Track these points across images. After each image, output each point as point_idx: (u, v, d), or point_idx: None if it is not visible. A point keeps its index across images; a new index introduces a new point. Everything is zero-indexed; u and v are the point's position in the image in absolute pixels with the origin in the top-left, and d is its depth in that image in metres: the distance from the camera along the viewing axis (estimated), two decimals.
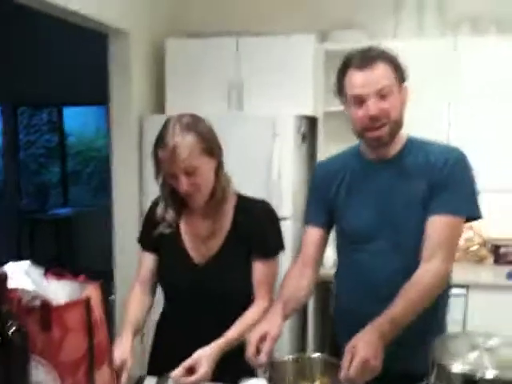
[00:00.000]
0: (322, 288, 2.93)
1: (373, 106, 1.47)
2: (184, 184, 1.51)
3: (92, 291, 1.19)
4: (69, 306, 1.10)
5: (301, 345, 3.24)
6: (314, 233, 1.69)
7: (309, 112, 3.14)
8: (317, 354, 1.47)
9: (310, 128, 3.32)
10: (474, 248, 3.13)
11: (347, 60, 1.52)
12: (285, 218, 2.87)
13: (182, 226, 1.67)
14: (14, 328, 0.95)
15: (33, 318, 1.07)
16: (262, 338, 1.42)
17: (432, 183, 1.52)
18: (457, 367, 1.25)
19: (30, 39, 5.88)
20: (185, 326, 1.62)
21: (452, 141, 2.89)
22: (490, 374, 1.21)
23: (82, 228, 6.30)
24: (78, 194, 7.03)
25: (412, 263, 1.51)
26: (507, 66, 3.05)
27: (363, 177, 1.61)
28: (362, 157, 1.63)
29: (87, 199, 6.96)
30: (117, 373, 1.40)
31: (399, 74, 1.52)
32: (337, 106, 3.19)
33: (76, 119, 6.91)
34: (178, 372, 1.43)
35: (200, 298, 1.61)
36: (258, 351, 1.41)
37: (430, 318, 1.58)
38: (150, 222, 1.71)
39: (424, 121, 2.75)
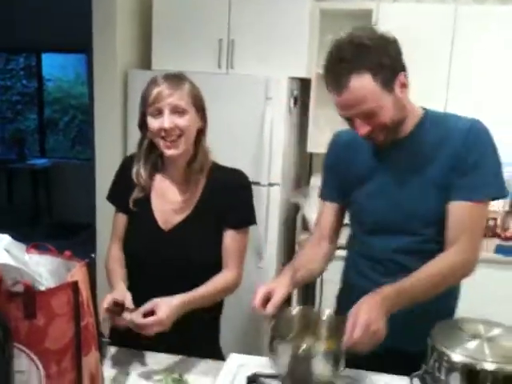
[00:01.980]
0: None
1: (361, 128, 1.38)
2: (167, 120, 1.48)
3: (78, 271, 1.11)
4: (55, 290, 1.02)
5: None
6: (331, 207, 1.65)
7: (302, 74, 3.02)
8: (325, 311, 1.45)
9: (301, 90, 3.20)
10: None
11: (325, 70, 1.39)
12: (274, 184, 2.80)
13: (153, 192, 1.63)
14: None
15: (15, 304, 0.99)
16: (270, 292, 1.38)
17: (454, 159, 1.41)
18: (457, 356, 1.23)
19: None
20: (149, 295, 1.53)
21: (450, 107, 2.82)
22: (491, 366, 1.19)
23: (60, 180, 6.16)
24: (56, 144, 6.85)
25: (424, 244, 1.48)
26: (507, 36, 2.97)
27: (375, 158, 1.52)
28: None
29: (65, 149, 6.80)
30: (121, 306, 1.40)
31: (383, 75, 1.33)
32: None
33: (55, 65, 6.66)
34: (134, 315, 1.39)
35: (164, 266, 1.57)
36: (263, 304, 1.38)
37: (441, 300, 1.53)
38: (122, 180, 1.67)
39: (421, 86, 2.66)
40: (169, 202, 1.62)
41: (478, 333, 1.31)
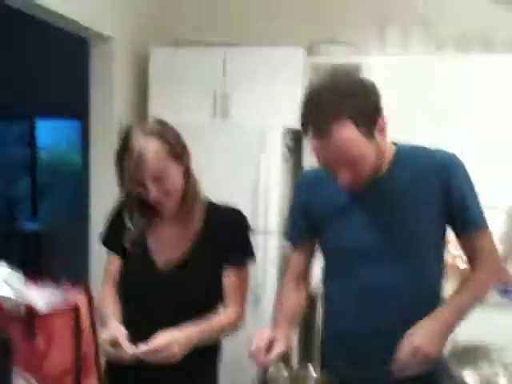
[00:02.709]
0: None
1: (343, 176, 1.35)
2: (153, 191, 1.46)
3: (79, 298, 1.07)
4: (55, 313, 0.99)
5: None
6: (298, 250, 1.61)
7: (295, 124, 3.06)
8: (313, 372, 1.40)
9: (295, 141, 3.26)
10: (462, 266, 3.09)
11: (304, 118, 1.34)
12: (271, 232, 2.79)
13: (149, 231, 1.61)
14: None
15: (15, 327, 0.95)
16: (272, 341, 1.35)
17: (446, 189, 1.43)
18: (470, 378, 1.19)
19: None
20: (146, 334, 1.47)
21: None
22: None
23: (51, 243, 6.08)
24: (48, 210, 6.82)
25: (420, 274, 1.45)
26: (492, 84, 3.04)
27: (349, 195, 1.47)
28: None
29: (57, 215, 6.76)
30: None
31: (364, 122, 1.31)
32: None
33: (48, 133, 6.73)
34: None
35: (162, 305, 1.54)
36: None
37: None
38: (115, 224, 1.65)
39: (408, 136, 2.72)
40: (165, 241, 1.59)
41: (491, 358, 1.28)
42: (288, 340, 1.38)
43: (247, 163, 2.82)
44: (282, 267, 3.06)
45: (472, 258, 1.49)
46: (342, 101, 1.28)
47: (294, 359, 2.81)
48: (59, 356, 0.98)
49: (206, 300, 1.57)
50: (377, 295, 1.45)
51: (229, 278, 1.58)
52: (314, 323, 2.81)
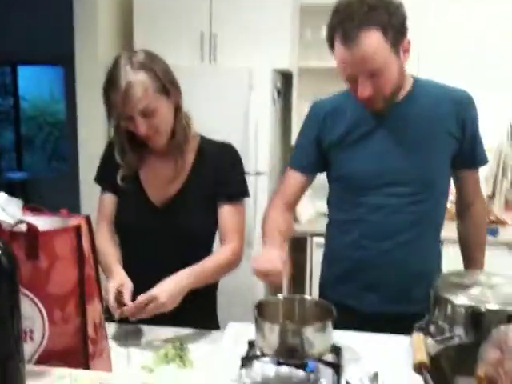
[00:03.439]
0: (298, 246, 2.90)
1: (364, 89, 1.37)
2: (142, 126, 1.44)
3: (80, 222, 1.08)
4: (58, 232, 1.00)
5: None
6: (297, 177, 1.62)
7: (284, 66, 3.05)
8: (309, 297, 1.42)
9: (283, 84, 3.23)
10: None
11: (332, 27, 1.37)
12: (261, 173, 2.81)
13: (142, 168, 1.60)
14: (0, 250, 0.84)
15: (17, 245, 0.96)
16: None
17: (461, 124, 1.50)
18: (461, 300, 1.23)
19: None
20: (146, 271, 1.53)
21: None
22: (494, 306, 1.19)
23: (38, 194, 6.06)
24: (33, 159, 6.76)
25: (422, 201, 1.50)
26: (478, 24, 3.06)
27: (371, 120, 1.51)
28: None
29: (42, 165, 6.71)
30: (120, 296, 1.38)
31: (392, 35, 1.34)
32: (311, 61, 3.22)
33: (30, 81, 6.59)
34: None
35: (160, 241, 1.55)
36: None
37: (427, 259, 1.57)
38: (108, 161, 1.63)
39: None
40: (158, 176, 1.59)
41: (478, 282, 1.32)
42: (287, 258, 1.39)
43: (236, 105, 2.81)
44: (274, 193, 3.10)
45: (470, 192, 1.63)
46: (371, 12, 1.31)
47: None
48: (62, 276, 0.99)
49: (203, 235, 1.57)
50: (390, 222, 1.51)
51: (224, 214, 1.57)
52: (305, 267, 2.85)
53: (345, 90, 1.61)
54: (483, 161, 1.60)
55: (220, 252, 1.56)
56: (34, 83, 6.63)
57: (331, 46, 1.40)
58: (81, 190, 3.16)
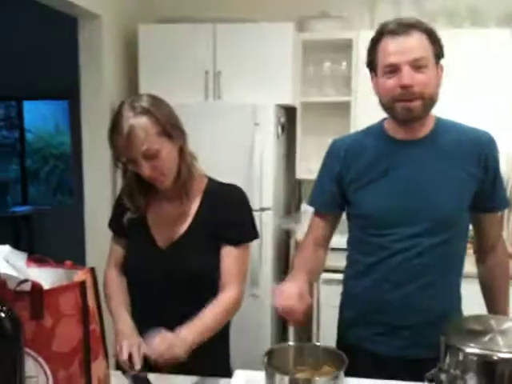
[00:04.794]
0: None
1: (406, 76, 1.39)
2: (145, 169, 1.45)
3: (84, 276, 1.07)
4: (62, 289, 0.99)
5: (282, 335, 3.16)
6: (326, 216, 1.63)
7: (288, 101, 3.07)
8: (318, 343, 1.40)
9: (287, 119, 3.25)
10: None
11: (382, 28, 1.44)
12: (266, 209, 2.80)
13: (149, 210, 1.61)
14: (3, 314, 0.83)
15: (21, 304, 0.95)
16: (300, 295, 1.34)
17: (483, 165, 1.50)
18: (472, 349, 1.20)
19: None
20: (150, 313, 1.53)
21: None
22: (506, 355, 1.17)
23: (42, 227, 6.06)
24: (38, 192, 6.78)
25: (443, 243, 1.48)
26: (480, 58, 3.03)
27: (391, 157, 1.51)
28: (389, 136, 1.54)
29: (47, 198, 6.73)
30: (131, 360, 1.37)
31: (436, 48, 1.43)
32: (314, 97, 3.25)
33: (35, 115, 6.66)
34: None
35: (166, 283, 1.54)
36: None
37: (448, 302, 1.55)
38: (119, 206, 1.65)
39: None
40: (164, 219, 1.59)
41: (489, 327, 1.29)
42: (307, 291, 1.38)
43: (241, 141, 2.81)
44: (277, 244, 3.09)
45: (490, 235, 1.60)
46: (418, 21, 1.43)
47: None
48: (67, 334, 0.98)
49: (209, 277, 1.56)
50: (411, 265, 1.49)
51: (225, 257, 1.56)
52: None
53: (364, 128, 1.63)
54: (504, 204, 1.58)
55: (218, 303, 1.53)
56: (39, 116, 6.70)
57: (370, 52, 1.48)
58: (85, 223, 3.16)
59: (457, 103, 2.96)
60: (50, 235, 5.87)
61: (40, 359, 0.96)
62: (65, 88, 5.08)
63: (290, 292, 1.32)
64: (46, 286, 0.99)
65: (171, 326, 1.42)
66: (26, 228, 6.14)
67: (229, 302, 1.53)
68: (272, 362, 1.23)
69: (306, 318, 1.34)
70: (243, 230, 1.60)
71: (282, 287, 1.35)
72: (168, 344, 1.36)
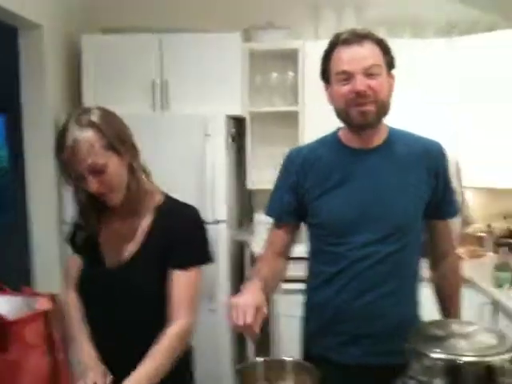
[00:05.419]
0: None
1: (360, 82, 1.42)
2: (92, 184, 1.40)
3: (46, 304, 1.02)
4: (27, 319, 0.93)
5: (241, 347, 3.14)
6: (285, 226, 1.62)
7: (237, 112, 3.07)
8: (288, 357, 1.39)
9: (236, 129, 3.25)
10: None
11: (335, 38, 1.47)
12: (219, 222, 2.77)
13: (102, 229, 1.56)
14: None
15: None
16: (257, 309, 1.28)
17: (434, 173, 1.54)
18: (437, 354, 1.23)
19: None
20: (105, 335, 1.47)
21: None
22: (471, 359, 1.20)
23: None
24: None
25: (399, 250, 1.51)
26: (420, 68, 3.11)
27: (346, 166, 1.53)
28: (344, 145, 1.56)
29: None
30: None
31: (388, 58, 1.48)
32: (263, 107, 3.27)
33: None
34: None
35: (113, 303, 1.48)
36: None
37: (408, 308, 1.58)
38: (75, 224, 1.60)
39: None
40: (115, 237, 1.54)
41: (451, 332, 1.32)
42: (264, 302, 1.33)
43: (191, 153, 2.78)
44: (232, 256, 3.07)
45: (443, 242, 1.65)
46: (370, 32, 1.48)
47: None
48: (34, 366, 0.93)
49: (158, 299, 1.48)
50: (371, 273, 1.51)
51: (173, 283, 1.48)
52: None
53: (319, 137, 1.64)
54: (456, 211, 1.63)
55: (166, 338, 1.44)
56: None
57: (324, 62, 1.50)
58: (32, 239, 3.03)
59: (400, 112, 3.07)
60: None
61: None
62: (0, 101, 4.86)
63: (246, 305, 1.27)
64: (10, 313, 0.94)
65: (119, 351, 1.40)
66: None
67: (177, 336, 1.46)
68: (242, 380, 1.21)
69: (262, 329, 1.29)
70: (194, 251, 1.52)
71: (237, 301, 1.30)
72: None
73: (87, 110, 1.44)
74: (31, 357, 0.93)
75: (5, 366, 0.91)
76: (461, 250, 2.99)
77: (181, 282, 1.48)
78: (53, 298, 1.05)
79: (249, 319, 1.24)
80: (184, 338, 1.49)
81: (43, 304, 1.00)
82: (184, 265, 1.49)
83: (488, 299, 2.60)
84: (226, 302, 1.35)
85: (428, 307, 1.64)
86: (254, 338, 1.28)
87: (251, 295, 1.33)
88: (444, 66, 3.11)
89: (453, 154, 3.04)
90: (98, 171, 1.39)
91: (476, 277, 2.71)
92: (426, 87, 3.10)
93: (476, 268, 2.86)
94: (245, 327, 1.25)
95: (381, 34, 3.08)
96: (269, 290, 1.47)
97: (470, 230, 3.26)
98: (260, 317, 1.28)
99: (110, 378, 1.34)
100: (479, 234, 3.29)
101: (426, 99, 3.10)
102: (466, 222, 3.23)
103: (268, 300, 1.40)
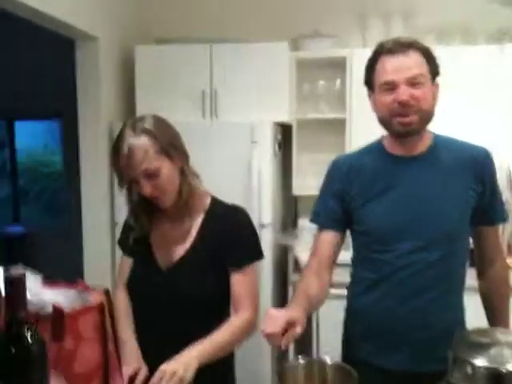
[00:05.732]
0: None
1: (403, 92, 1.43)
2: (146, 187, 1.46)
3: (100, 298, 1.09)
4: (81, 312, 1.00)
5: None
6: (330, 234, 1.61)
7: (284, 119, 3.11)
8: (328, 358, 1.40)
9: (282, 136, 3.29)
10: None
11: (379, 47, 1.48)
12: (265, 225, 2.82)
13: (153, 231, 1.62)
14: (30, 335, 0.84)
15: (42, 327, 0.96)
16: (290, 323, 1.29)
17: (481, 179, 1.53)
18: (480, 361, 1.22)
19: None
20: (155, 335, 1.52)
21: None
22: None
23: (36, 246, 6.02)
24: (31, 212, 6.74)
25: (445, 257, 1.50)
26: (471, 75, 3.09)
27: (391, 174, 1.54)
28: (388, 153, 1.57)
29: (41, 216, 6.68)
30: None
31: (432, 66, 1.48)
32: (309, 114, 3.31)
33: (26, 135, 6.64)
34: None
35: (166, 305, 1.53)
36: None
37: (452, 316, 1.57)
38: (126, 226, 1.66)
39: None
40: (167, 238, 1.59)
41: (496, 340, 1.31)
42: (304, 318, 1.34)
43: (238, 159, 2.85)
44: (277, 260, 3.10)
45: (490, 248, 1.63)
46: (415, 41, 1.48)
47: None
48: (87, 355, 0.99)
49: (209, 299, 1.54)
50: (415, 280, 1.50)
51: (234, 282, 1.54)
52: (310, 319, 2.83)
53: (364, 146, 1.65)
54: (503, 217, 1.61)
55: (231, 323, 1.51)
56: (29, 135, 6.69)
57: (368, 70, 1.51)
58: (84, 242, 3.15)
59: (451, 120, 3.05)
60: (45, 255, 5.83)
61: (62, 380, 0.97)
62: (56, 107, 5.09)
63: (277, 317, 1.29)
64: (67, 305, 1.00)
65: (171, 348, 1.40)
66: (19, 248, 6.09)
67: (241, 323, 1.51)
68: (284, 381, 1.23)
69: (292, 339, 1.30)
70: (247, 250, 1.58)
71: (272, 311, 1.32)
72: (168, 376, 1.32)
73: (141, 118, 1.50)
74: (84, 347, 0.99)
75: (60, 355, 0.97)
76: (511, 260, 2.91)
77: (239, 280, 1.54)
78: (106, 292, 1.11)
79: (275, 329, 1.26)
80: (246, 329, 1.53)
81: (96, 297, 1.06)
82: (240, 264, 1.54)
83: None
84: (265, 310, 1.37)
85: (475, 317, 1.61)
86: (278, 349, 1.30)
87: (290, 310, 1.35)
88: (495, 72, 3.06)
89: (505, 162, 3.01)
90: (152, 175, 1.45)
91: None
92: (477, 94, 3.07)
93: None
94: (268, 336, 1.27)
95: (430, 41, 3.15)
96: (312, 308, 1.48)
97: None
98: (292, 332, 1.28)
99: (143, 373, 1.39)
100: None
101: (477, 106, 3.07)
102: None
103: (309, 317, 1.42)
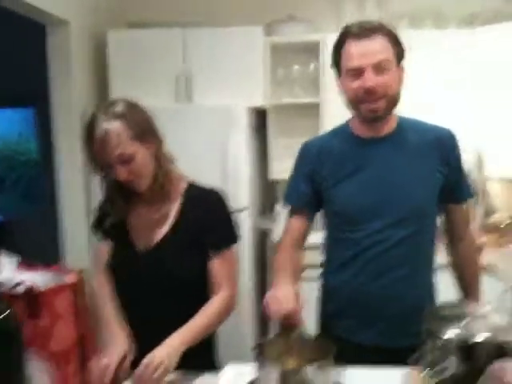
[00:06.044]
0: None
1: (370, 79, 1.45)
2: (121, 172, 1.46)
3: (74, 277, 1.09)
4: (57, 290, 1.00)
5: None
6: (301, 213, 1.65)
7: (259, 104, 3.11)
8: (307, 333, 1.42)
9: (258, 121, 3.30)
10: None
11: (345, 31, 1.49)
12: (242, 209, 2.83)
13: (130, 215, 1.62)
14: (5, 313, 0.84)
15: (17, 306, 0.96)
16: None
17: (446, 160, 1.57)
18: (450, 333, 1.26)
19: None
20: (139, 318, 1.53)
21: None
22: (482, 338, 1.22)
23: (15, 233, 5.93)
24: (7, 201, 6.64)
25: (415, 234, 1.54)
26: (443, 58, 3.13)
27: (360, 155, 1.57)
28: (355, 135, 1.60)
29: (17, 204, 6.59)
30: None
31: (398, 50, 1.49)
32: (284, 99, 3.31)
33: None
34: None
35: (148, 287, 1.54)
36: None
37: (423, 292, 1.61)
38: (101, 210, 1.66)
39: None
40: (144, 223, 1.60)
41: (468, 312, 1.34)
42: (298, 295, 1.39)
43: (214, 144, 2.85)
44: (256, 244, 3.12)
45: (459, 225, 1.68)
46: (381, 25, 1.49)
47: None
48: (63, 333, 1.00)
49: (190, 281, 1.55)
50: (386, 257, 1.54)
51: (213, 266, 1.56)
52: None
53: (332, 129, 1.68)
54: (469, 195, 1.66)
55: (212, 304, 1.54)
56: (4, 124, 6.57)
57: (335, 53, 1.53)
58: (62, 227, 3.13)
59: (422, 102, 3.08)
60: (25, 242, 5.75)
61: (41, 358, 0.97)
62: (29, 95, 5.00)
63: (288, 296, 1.33)
64: (42, 285, 1.00)
65: (156, 329, 1.43)
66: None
67: (221, 302, 1.53)
68: (262, 354, 1.25)
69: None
70: (224, 233, 1.59)
71: (275, 294, 1.37)
72: (153, 368, 1.34)
73: (113, 102, 1.50)
74: (60, 324, 1.00)
75: (37, 332, 0.97)
76: (483, 239, 2.98)
77: (218, 263, 1.55)
78: (80, 272, 1.11)
79: (292, 305, 1.30)
80: (228, 307, 1.55)
81: (71, 278, 1.07)
82: (218, 247, 1.56)
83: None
84: (265, 298, 1.39)
85: (446, 293, 1.65)
86: (298, 324, 1.33)
87: (287, 287, 1.39)
88: (466, 56, 3.11)
89: (475, 145, 3.07)
90: (127, 160, 1.45)
91: (499, 265, 2.71)
92: (448, 78, 3.10)
93: (499, 257, 2.85)
94: (289, 315, 1.30)
95: (402, 26, 3.17)
96: (297, 282, 1.52)
97: (493, 219, 3.25)
98: (301, 306, 1.33)
99: (130, 357, 1.40)
100: (503, 223, 3.28)
101: (447, 89, 3.11)
102: (489, 212, 3.22)
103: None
